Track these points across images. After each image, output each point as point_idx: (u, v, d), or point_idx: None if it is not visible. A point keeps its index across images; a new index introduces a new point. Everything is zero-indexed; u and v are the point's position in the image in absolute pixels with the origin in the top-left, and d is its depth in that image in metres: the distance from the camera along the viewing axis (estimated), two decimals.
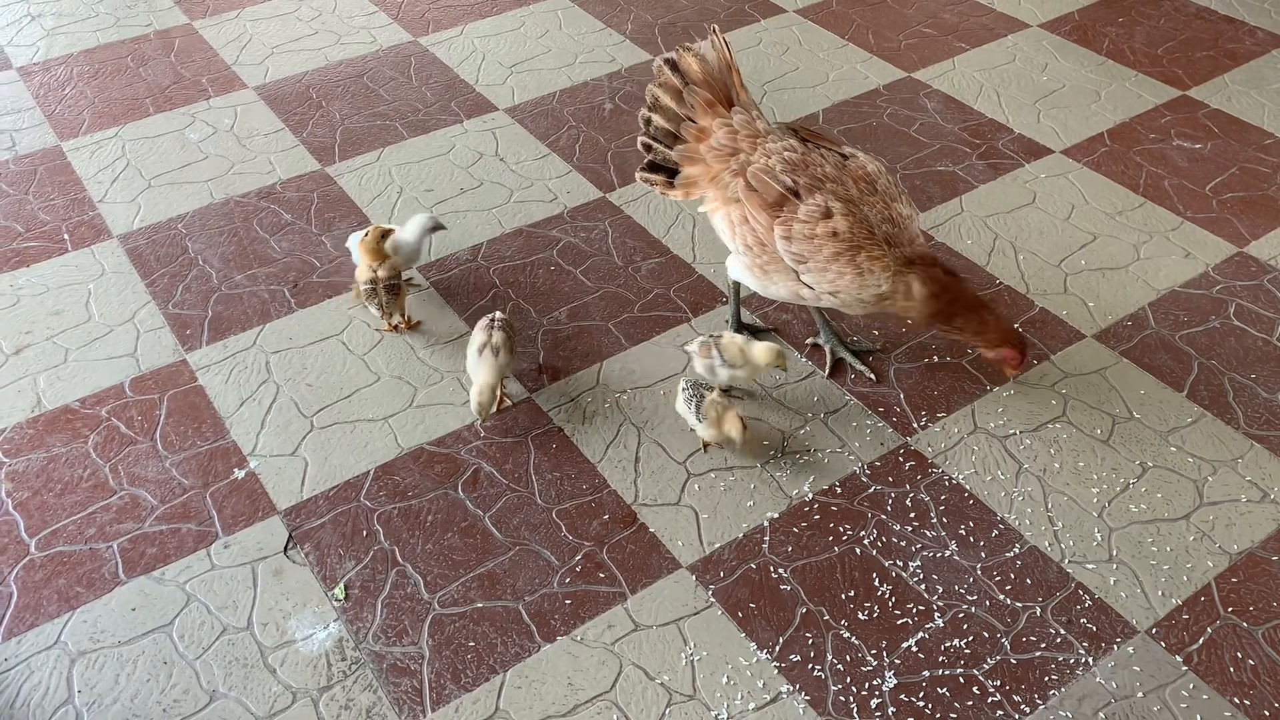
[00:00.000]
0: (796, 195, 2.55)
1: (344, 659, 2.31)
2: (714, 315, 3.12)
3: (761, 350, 2.70)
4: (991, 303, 2.51)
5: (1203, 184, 3.59)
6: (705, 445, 2.73)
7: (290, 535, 2.56)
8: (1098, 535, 2.52)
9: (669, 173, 2.78)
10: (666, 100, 2.75)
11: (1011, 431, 2.77)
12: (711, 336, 2.76)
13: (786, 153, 2.60)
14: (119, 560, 2.51)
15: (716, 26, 2.79)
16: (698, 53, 2.73)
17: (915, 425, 2.79)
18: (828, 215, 2.50)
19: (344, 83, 4.20)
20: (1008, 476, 2.66)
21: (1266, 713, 2.18)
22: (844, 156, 2.61)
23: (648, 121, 2.79)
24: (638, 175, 2.83)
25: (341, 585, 2.45)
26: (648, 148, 2.80)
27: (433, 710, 2.22)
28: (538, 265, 3.31)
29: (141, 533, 2.57)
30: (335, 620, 2.38)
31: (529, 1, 4.72)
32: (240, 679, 2.28)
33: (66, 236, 3.47)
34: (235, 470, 2.71)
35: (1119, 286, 3.20)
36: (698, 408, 2.62)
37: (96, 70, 4.30)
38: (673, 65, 2.74)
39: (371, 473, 2.70)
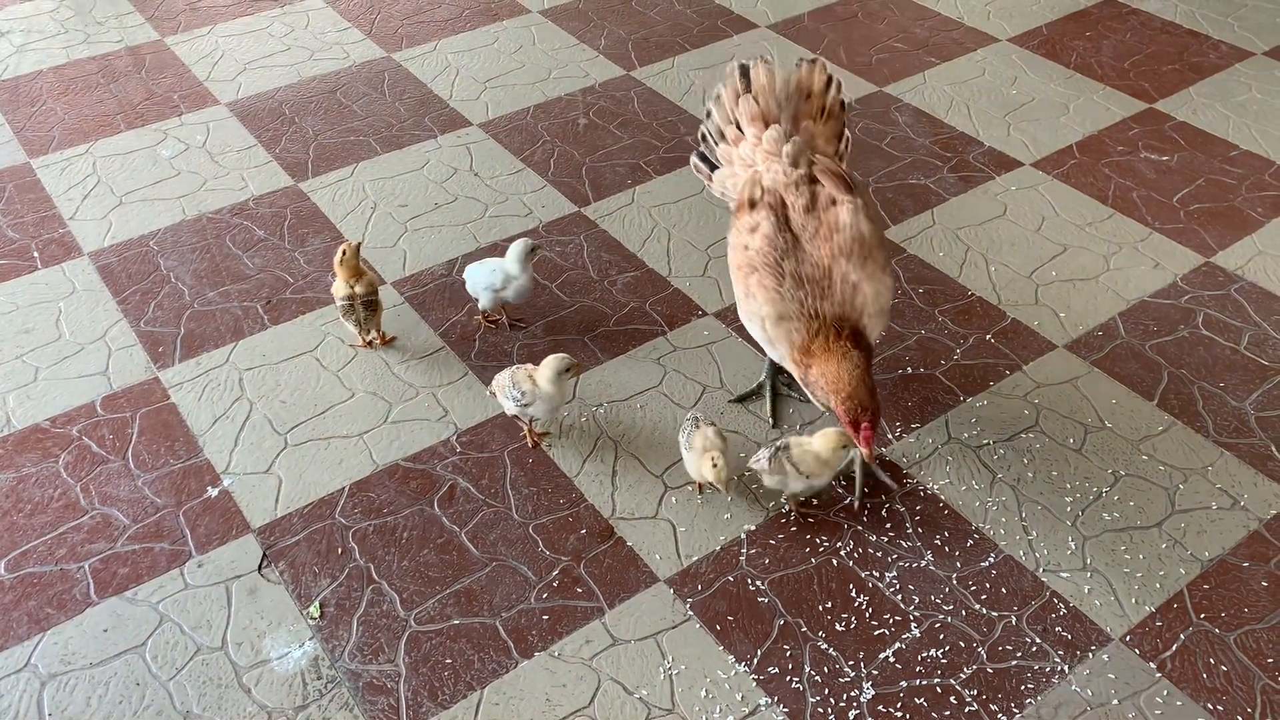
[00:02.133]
0: (753, 205, 2.54)
1: (320, 678, 2.29)
2: (690, 329, 3.13)
3: (822, 442, 2.49)
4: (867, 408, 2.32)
5: (1170, 195, 3.64)
6: (699, 487, 2.66)
7: (264, 553, 2.54)
8: (1071, 544, 2.54)
9: (713, 166, 2.83)
10: (725, 98, 2.79)
11: (985, 441, 2.79)
12: (779, 449, 2.52)
13: (780, 173, 2.55)
14: (90, 581, 2.48)
15: (824, 61, 2.79)
16: (773, 68, 2.74)
17: (890, 436, 2.80)
18: (754, 229, 2.50)
19: (317, 98, 4.19)
20: (982, 486, 2.67)
21: (1239, 718, 2.20)
22: (834, 201, 2.49)
23: (708, 114, 2.83)
24: (691, 158, 2.90)
25: (316, 603, 2.43)
26: (702, 138, 2.86)
27: None
28: None
29: (113, 553, 2.54)
30: (310, 639, 2.36)
31: (502, 17, 4.73)
32: (214, 699, 2.25)
33: (36, 254, 3.44)
34: (208, 488, 2.69)
35: (1089, 297, 3.23)
36: (689, 437, 2.58)
37: (66, 86, 4.27)
38: (744, 71, 2.77)
39: (346, 489, 2.68)
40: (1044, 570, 2.48)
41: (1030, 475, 2.70)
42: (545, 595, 2.44)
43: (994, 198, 3.65)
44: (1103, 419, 2.85)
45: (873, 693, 2.24)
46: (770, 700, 2.23)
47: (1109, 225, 3.52)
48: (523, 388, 2.64)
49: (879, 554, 2.51)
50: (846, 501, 2.63)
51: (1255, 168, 3.75)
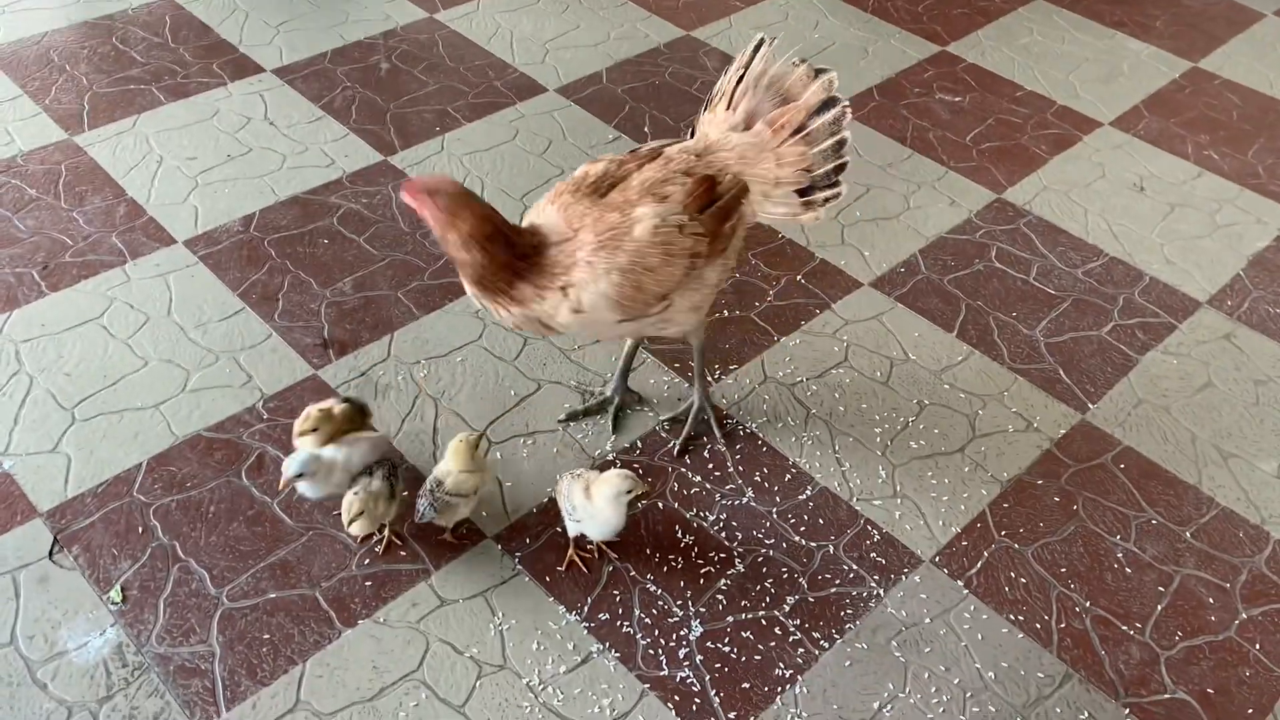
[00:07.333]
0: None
1: (124, 665, 2.15)
2: None
3: (456, 460, 2.35)
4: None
5: (963, 135, 3.80)
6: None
7: (55, 538, 2.36)
8: (882, 472, 2.64)
9: None
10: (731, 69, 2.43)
11: (799, 379, 2.86)
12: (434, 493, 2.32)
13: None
14: None
15: (834, 77, 2.33)
16: (773, 52, 2.37)
17: (710, 378, 2.84)
18: (595, 162, 2.31)
19: (91, 44, 3.86)
20: (797, 422, 2.75)
21: (1038, 625, 2.35)
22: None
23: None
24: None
25: (117, 587, 2.28)
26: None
27: (228, 709, 2.10)
28: (317, 234, 3.16)
29: None
30: (112, 625, 2.21)
31: None
32: (5, 699, 2.08)
33: None
34: None
35: (892, 235, 3.35)
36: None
37: None
38: (757, 47, 2.38)
39: (144, 465, 2.51)
40: (858, 499, 2.57)
41: (842, 409, 2.79)
42: (367, 561, 2.36)
43: None
44: (907, 352, 2.97)
45: (701, 630, 2.28)
46: (602, 647, 2.24)
47: (908, 165, 3.64)
48: (575, 501, 2.30)
49: (703, 494, 2.55)
50: (669, 445, 2.65)
51: (1039, 107, 3.96)
